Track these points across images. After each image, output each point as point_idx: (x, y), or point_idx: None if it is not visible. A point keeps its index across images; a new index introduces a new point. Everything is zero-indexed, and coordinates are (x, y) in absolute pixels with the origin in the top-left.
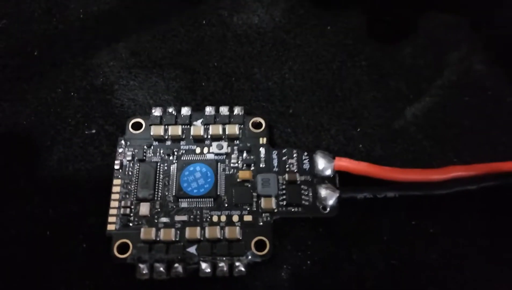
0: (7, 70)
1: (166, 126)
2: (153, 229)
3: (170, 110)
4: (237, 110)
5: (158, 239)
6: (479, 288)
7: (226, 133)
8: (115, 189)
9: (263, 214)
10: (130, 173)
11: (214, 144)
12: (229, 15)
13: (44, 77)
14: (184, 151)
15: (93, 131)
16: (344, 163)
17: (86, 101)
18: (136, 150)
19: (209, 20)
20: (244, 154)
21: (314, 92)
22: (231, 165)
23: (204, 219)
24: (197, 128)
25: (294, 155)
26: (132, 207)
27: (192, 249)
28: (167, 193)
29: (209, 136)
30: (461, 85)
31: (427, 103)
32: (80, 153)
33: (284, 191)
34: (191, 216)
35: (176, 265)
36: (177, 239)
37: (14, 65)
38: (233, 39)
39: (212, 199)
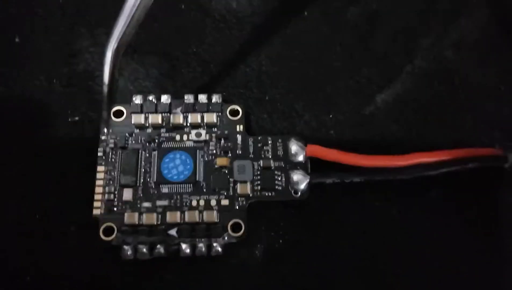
0: None
1: (147, 114)
2: (136, 214)
3: (150, 98)
4: (215, 98)
5: (141, 223)
6: (434, 259)
7: (205, 121)
8: (99, 175)
9: (239, 199)
10: (113, 160)
11: (193, 131)
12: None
13: (26, 64)
14: (164, 139)
15: (76, 118)
16: (315, 149)
17: (69, 88)
18: (118, 138)
19: (188, 5)
20: (222, 141)
21: (289, 78)
22: (210, 152)
23: (184, 204)
24: (177, 117)
25: (269, 142)
26: (116, 192)
27: (173, 232)
28: (148, 180)
29: (188, 124)
30: (430, 71)
31: (397, 89)
32: (65, 139)
33: (259, 177)
34: (172, 201)
35: (158, 246)
36: (159, 223)
37: None
38: (212, 24)
39: (191, 185)
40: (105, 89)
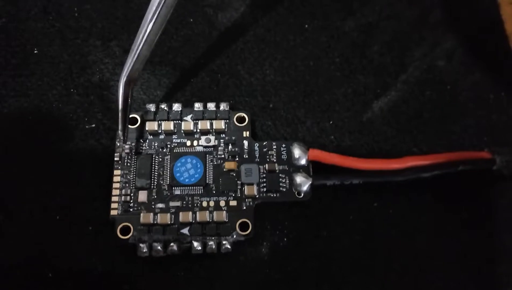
0: (10, 67)
1: (160, 122)
2: (151, 214)
3: (163, 106)
4: (223, 106)
5: (155, 222)
6: (428, 256)
7: (213, 127)
8: (116, 179)
9: (246, 200)
10: (128, 164)
11: (203, 137)
12: (214, 13)
13: (45, 74)
14: (176, 144)
15: (93, 125)
16: (317, 154)
17: (85, 97)
18: (133, 144)
19: (196, 18)
20: (230, 147)
21: (292, 87)
22: (218, 156)
23: (195, 205)
24: (188, 123)
25: (274, 147)
26: (132, 194)
27: (185, 231)
28: (162, 182)
29: (198, 130)
30: (423, 80)
31: (392, 97)
32: (82, 146)
33: (264, 179)
34: (184, 202)
35: (172, 244)
36: (172, 222)
37: (16, 63)
38: (218, 37)
39: (201, 187)
40: (120, 113)
